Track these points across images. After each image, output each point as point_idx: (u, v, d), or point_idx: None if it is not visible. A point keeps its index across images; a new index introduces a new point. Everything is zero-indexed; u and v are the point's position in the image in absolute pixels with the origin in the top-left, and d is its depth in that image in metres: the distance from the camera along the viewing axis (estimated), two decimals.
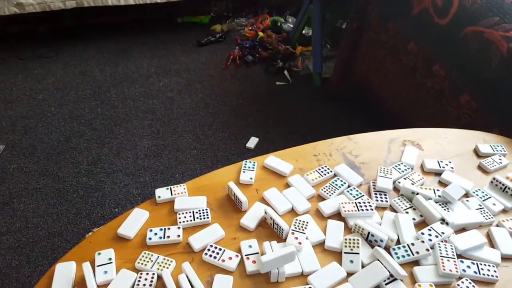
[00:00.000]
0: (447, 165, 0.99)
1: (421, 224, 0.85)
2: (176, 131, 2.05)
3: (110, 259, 0.74)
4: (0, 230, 1.50)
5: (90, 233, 1.45)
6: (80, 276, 0.71)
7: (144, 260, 0.74)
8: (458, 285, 0.71)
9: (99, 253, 0.75)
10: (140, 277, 0.70)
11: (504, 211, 0.90)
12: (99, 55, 2.71)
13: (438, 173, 0.98)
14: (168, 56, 2.75)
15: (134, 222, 0.82)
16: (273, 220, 0.80)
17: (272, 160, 1.00)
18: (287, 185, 0.94)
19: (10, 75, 2.47)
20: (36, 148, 1.89)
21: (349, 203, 0.86)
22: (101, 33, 2.91)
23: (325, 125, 2.15)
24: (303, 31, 2.82)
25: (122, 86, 2.39)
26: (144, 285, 0.69)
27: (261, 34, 2.94)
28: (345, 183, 0.94)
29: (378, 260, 0.74)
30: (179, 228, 0.80)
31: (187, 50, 2.84)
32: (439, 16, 1.48)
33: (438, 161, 1.00)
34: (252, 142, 2.01)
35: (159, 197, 0.88)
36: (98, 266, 0.72)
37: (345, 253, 0.76)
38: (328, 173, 0.97)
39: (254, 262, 0.73)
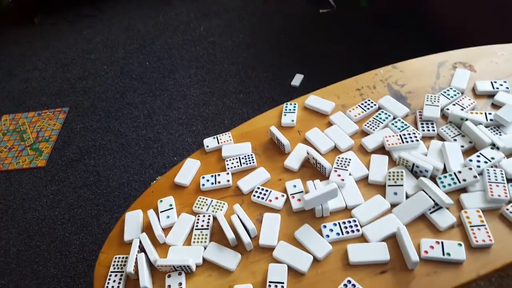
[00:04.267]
0: (501, 85, 0.92)
1: (471, 151, 0.82)
2: (221, 77, 2.08)
3: (171, 205, 0.83)
4: (77, 184, 1.70)
5: (154, 181, 1.59)
6: (147, 222, 0.81)
7: (200, 204, 0.81)
8: (508, 209, 0.71)
9: (161, 201, 0.84)
10: (198, 219, 0.78)
11: None
12: (140, 7, 2.73)
13: (491, 95, 0.92)
14: None
15: (188, 171, 0.89)
16: (315, 160, 0.82)
17: (313, 99, 1.00)
18: (330, 124, 0.94)
19: (63, 39, 2.60)
20: (96, 107, 2.04)
21: (393, 136, 0.85)
22: None
23: (374, 52, 2.04)
24: None
25: (165, 36, 2.43)
26: (202, 226, 0.77)
27: None
28: (389, 115, 0.92)
29: (423, 190, 0.75)
30: (228, 173, 0.86)
31: None
32: None
33: (491, 82, 0.93)
34: (297, 80, 1.98)
35: (207, 146, 0.94)
36: (161, 212, 0.82)
37: (389, 185, 0.77)
38: (372, 106, 0.95)
39: (299, 200, 0.78)
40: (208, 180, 0.86)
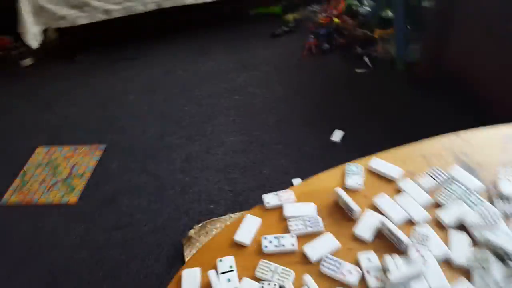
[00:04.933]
0: None
1: None
2: (260, 126, 2.08)
3: (231, 266, 0.77)
4: (108, 225, 1.65)
5: (191, 230, 1.54)
6: (205, 283, 0.75)
7: (264, 270, 0.75)
8: None
9: (221, 260, 0.78)
10: (263, 287, 0.72)
11: None
12: (180, 54, 2.82)
13: None
14: (244, 50, 2.78)
15: (248, 228, 0.84)
16: (391, 232, 0.77)
17: (378, 163, 0.96)
18: (397, 190, 0.90)
19: (102, 78, 2.68)
20: (134, 147, 2.04)
21: (471, 211, 0.80)
22: (180, 31, 3.03)
23: (413, 115, 2.03)
24: (382, 13, 2.67)
25: (204, 83, 2.48)
26: None
27: (336, 20, 2.84)
28: (463, 188, 0.87)
29: None
30: (293, 236, 0.81)
31: (262, 43, 2.84)
32: None
33: None
34: (337, 135, 1.96)
35: (268, 203, 0.89)
36: (221, 273, 0.76)
37: (475, 269, 0.71)
38: (442, 176, 0.91)
39: (378, 279, 0.71)
40: (271, 242, 0.80)
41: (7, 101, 2.53)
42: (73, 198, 1.82)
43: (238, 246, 0.83)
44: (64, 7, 2.72)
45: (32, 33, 2.64)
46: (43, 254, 1.57)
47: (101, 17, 2.80)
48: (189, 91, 2.42)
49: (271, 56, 2.69)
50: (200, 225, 1.51)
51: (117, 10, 2.81)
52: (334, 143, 1.93)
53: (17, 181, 1.95)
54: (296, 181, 1.74)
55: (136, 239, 1.57)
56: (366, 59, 2.52)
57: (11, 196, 1.88)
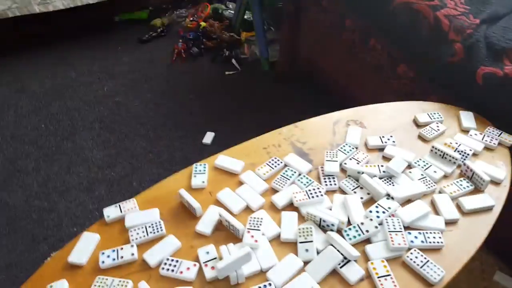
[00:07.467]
0: (388, 139, 1.03)
1: (370, 201, 0.88)
2: (128, 137, 1.99)
3: None
4: None
5: (48, 259, 1.40)
6: None
7: (99, 286, 0.72)
8: (408, 256, 0.75)
9: (51, 286, 0.72)
10: None
11: (445, 177, 0.95)
12: (36, 67, 2.55)
13: (381, 149, 1.02)
14: (110, 58, 2.63)
15: (84, 247, 0.79)
16: (228, 222, 0.80)
17: (223, 159, 1.00)
18: (240, 183, 0.94)
19: None
20: None
21: (300, 192, 0.88)
22: (36, 43, 2.74)
23: (278, 110, 2.17)
24: (245, 16, 2.79)
25: (64, 97, 2.28)
26: None
27: (203, 24, 2.88)
28: (295, 172, 0.95)
29: (331, 244, 0.77)
30: (132, 246, 0.78)
31: (129, 49, 2.73)
32: None
33: (380, 137, 1.04)
34: (209, 137, 1.99)
35: (108, 216, 0.85)
36: None
37: (300, 242, 0.78)
38: (278, 164, 0.98)
39: (213, 268, 0.73)
40: (108, 256, 0.77)
41: None
42: None
43: (74, 268, 0.77)
44: None
45: None
46: None
47: None
48: (45, 107, 2.19)
49: (139, 62, 2.60)
50: (57, 252, 1.38)
51: None
52: (206, 145, 1.95)
53: None
54: None
55: None
56: (235, 62, 2.60)
57: None
